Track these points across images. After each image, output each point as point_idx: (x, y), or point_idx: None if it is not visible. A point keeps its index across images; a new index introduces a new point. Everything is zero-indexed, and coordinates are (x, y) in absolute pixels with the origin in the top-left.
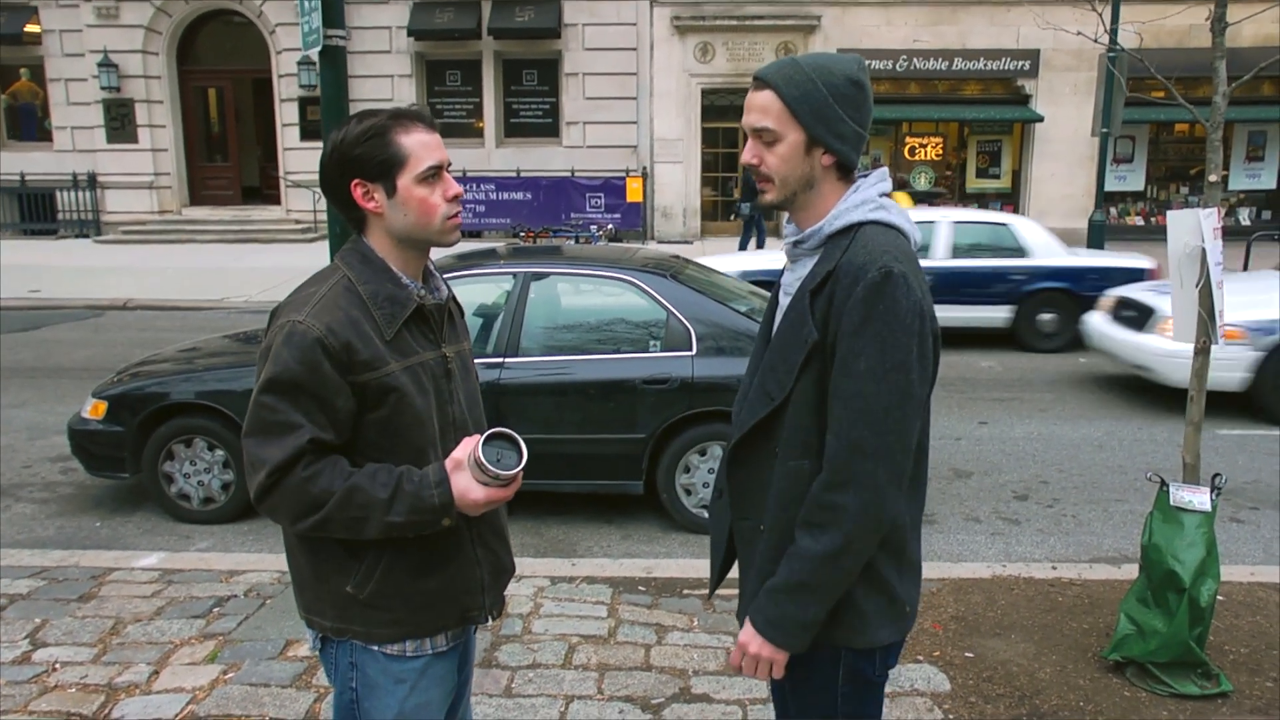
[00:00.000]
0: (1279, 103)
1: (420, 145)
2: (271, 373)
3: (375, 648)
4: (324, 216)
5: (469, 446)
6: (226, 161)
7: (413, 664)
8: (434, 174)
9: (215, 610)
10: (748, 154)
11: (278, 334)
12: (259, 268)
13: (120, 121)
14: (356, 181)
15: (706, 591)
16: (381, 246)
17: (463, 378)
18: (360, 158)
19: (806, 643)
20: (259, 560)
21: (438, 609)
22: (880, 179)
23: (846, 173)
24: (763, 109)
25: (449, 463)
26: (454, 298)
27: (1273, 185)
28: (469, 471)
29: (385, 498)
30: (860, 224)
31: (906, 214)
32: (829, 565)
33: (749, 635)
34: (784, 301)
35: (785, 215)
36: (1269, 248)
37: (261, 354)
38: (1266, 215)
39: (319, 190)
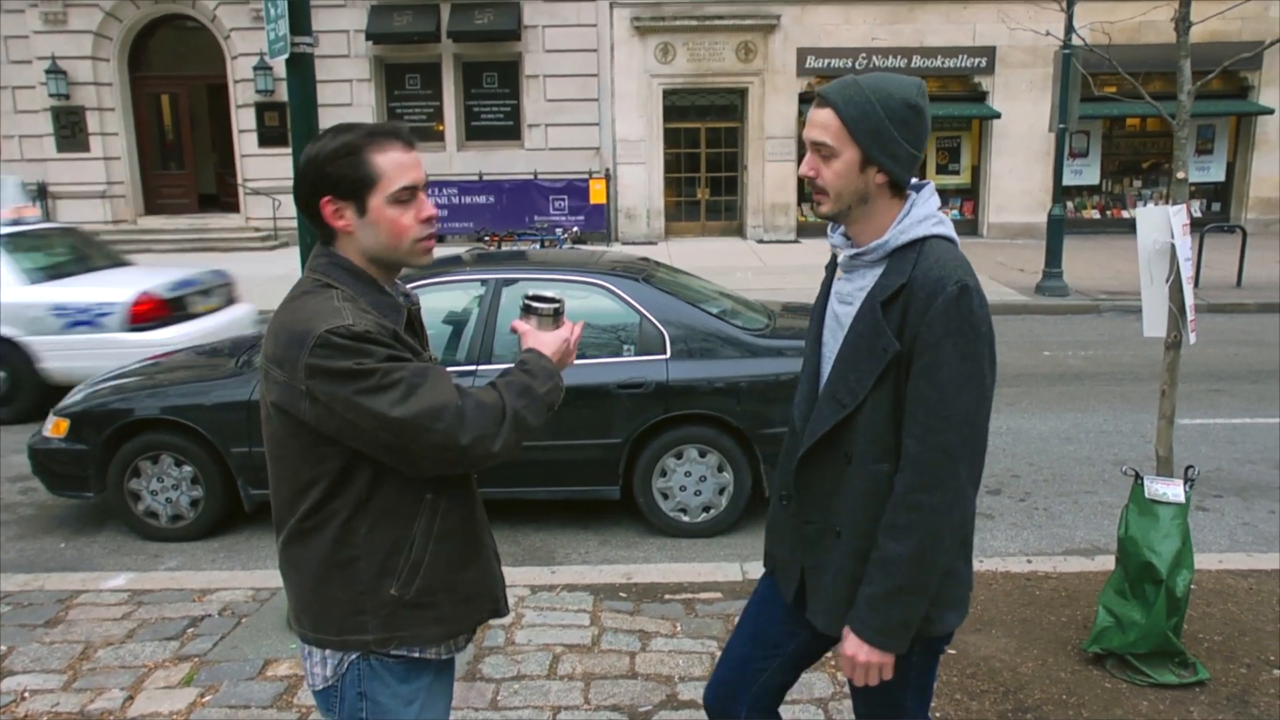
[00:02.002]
0: (1226, 97)
1: (394, 165)
2: (358, 358)
3: (411, 652)
4: (285, 224)
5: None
6: (182, 169)
7: (419, 683)
8: (408, 195)
9: (189, 631)
10: (805, 167)
11: (329, 344)
12: None
13: (70, 129)
14: (327, 199)
15: (689, 597)
16: (356, 260)
17: None
18: (331, 175)
19: (909, 640)
20: (232, 578)
21: (475, 602)
22: (932, 193)
23: (898, 190)
24: (823, 125)
25: (525, 340)
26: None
27: (1221, 178)
28: (532, 330)
29: (526, 380)
30: (925, 238)
31: (950, 224)
32: (918, 565)
33: (856, 646)
34: (841, 310)
35: (830, 224)
36: (1220, 238)
37: (327, 371)
38: (1216, 208)
39: (279, 198)
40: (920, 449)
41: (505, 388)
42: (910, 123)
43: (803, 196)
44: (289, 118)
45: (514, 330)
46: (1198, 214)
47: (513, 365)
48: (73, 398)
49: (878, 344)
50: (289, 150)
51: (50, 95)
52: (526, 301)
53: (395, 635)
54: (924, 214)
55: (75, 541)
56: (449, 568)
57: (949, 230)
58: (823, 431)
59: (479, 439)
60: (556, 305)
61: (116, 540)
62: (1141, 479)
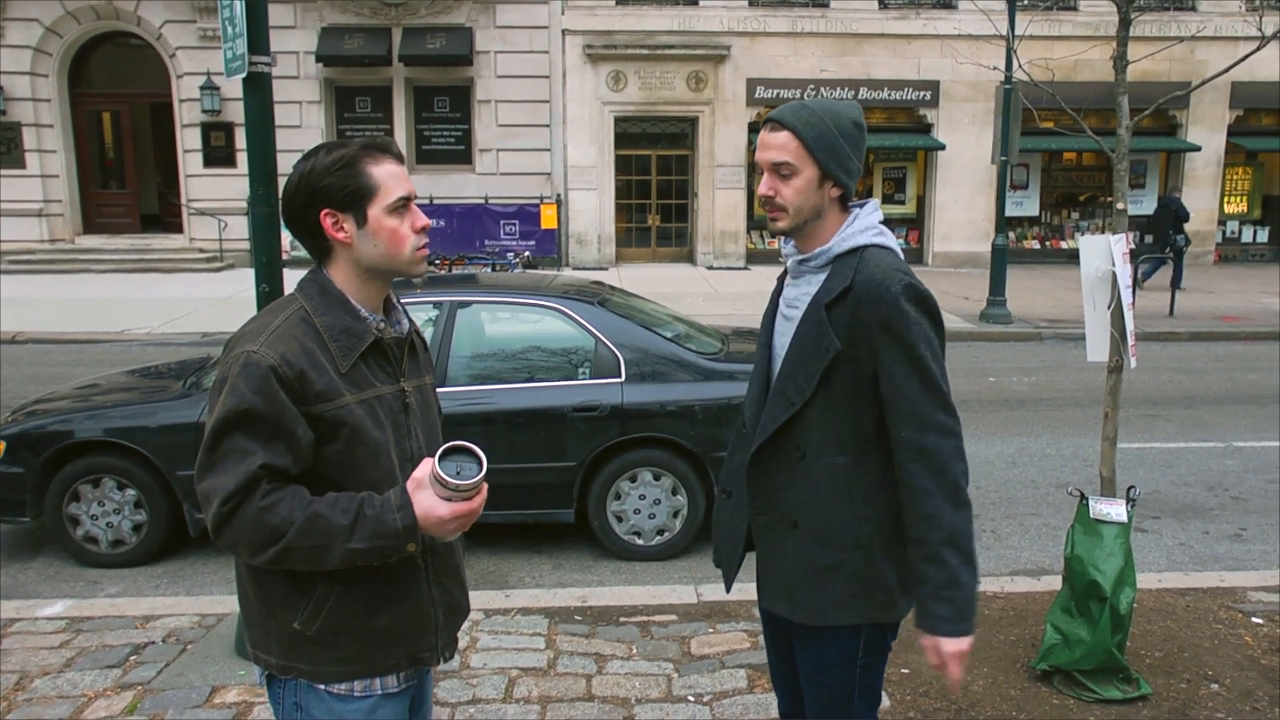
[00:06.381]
0: (1157, 134)
1: (390, 176)
2: (228, 406)
3: (321, 687)
4: (231, 246)
5: (428, 465)
6: (124, 188)
7: (360, 705)
8: (403, 205)
9: (132, 658)
10: (764, 187)
11: (233, 365)
12: (162, 298)
13: (6, 146)
14: (326, 211)
15: (644, 619)
16: (344, 278)
17: (422, 412)
18: (330, 187)
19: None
20: (176, 604)
21: (388, 648)
22: (875, 208)
23: (845, 204)
24: (781, 147)
25: (410, 483)
26: (417, 331)
27: (1153, 211)
28: (430, 489)
29: (347, 524)
30: (865, 246)
31: (892, 237)
32: (968, 528)
33: (951, 643)
34: (789, 314)
35: (782, 238)
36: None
37: (216, 385)
38: (1149, 240)
39: (225, 219)
40: (920, 436)
41: (311, 519)
42: (856, 139)
43: (753, 224)
44: (246, 137)
45: (416, 477)
46: (1130, 245)
47: (364, 495)
48: (9, 419)
49: (821, 344)
50: (235, 170)
51: None
52: (448, 462)
53: (294, 666)
54: (866, 225)
55: (9, 568)
56: (358, 613)
57: (888, 242)
58: (774, 428)
59: (234, 544)
60: (476, 481)
61: (54, 566)
62: (1086, 499)
